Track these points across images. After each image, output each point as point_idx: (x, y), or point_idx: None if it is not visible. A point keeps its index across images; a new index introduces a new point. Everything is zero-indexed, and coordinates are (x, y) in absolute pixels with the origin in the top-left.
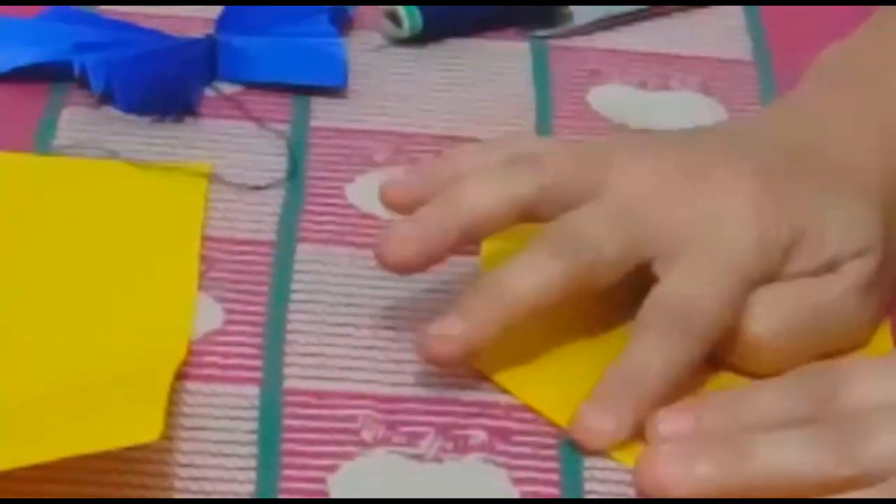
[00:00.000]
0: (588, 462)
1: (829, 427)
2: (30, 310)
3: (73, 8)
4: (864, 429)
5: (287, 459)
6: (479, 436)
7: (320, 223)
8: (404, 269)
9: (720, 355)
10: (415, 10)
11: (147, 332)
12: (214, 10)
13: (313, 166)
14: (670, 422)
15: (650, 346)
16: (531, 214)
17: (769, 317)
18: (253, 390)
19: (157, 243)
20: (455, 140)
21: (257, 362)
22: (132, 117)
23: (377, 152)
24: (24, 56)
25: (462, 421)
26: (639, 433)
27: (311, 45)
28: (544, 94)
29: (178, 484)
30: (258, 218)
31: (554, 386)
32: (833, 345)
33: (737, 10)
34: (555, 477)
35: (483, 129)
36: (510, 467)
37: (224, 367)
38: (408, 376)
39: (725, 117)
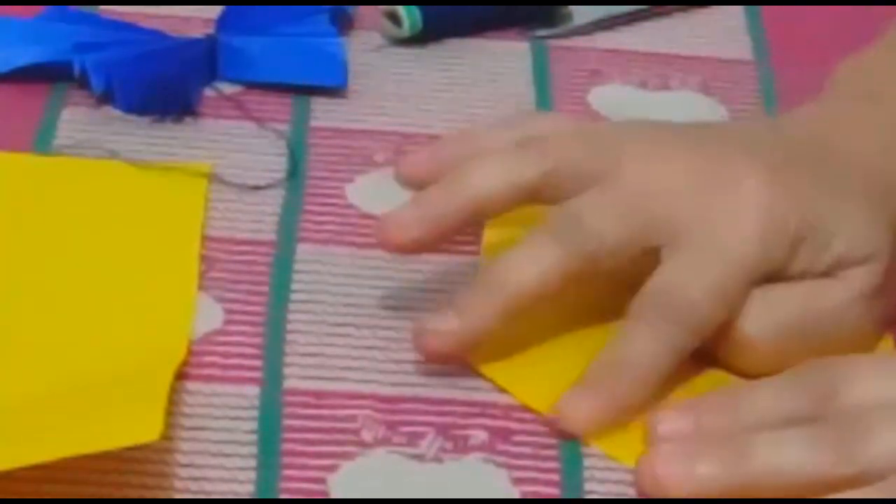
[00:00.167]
0: (588, 462)
1: (828, 426)
2: (30, 310)
3: (73, 8)
4: (863, 427)
5: (287, 459)
6: (479, 436)
7: (320, 223)
8: (405, 251)
9: (713, 351)
10: (415, 10)
11: (147, 332)
12: (214, 10)
13: (313, 166)
14: (670, 422)
15: (637, 334)
16: (535, 198)
17: (764, 317)
18: (253, 390)
19: (157, 243)
20: None
21: (257, 362)
22: (132, 117)
23: (377, 152)
24: (24, 56)
25: (462, 421)
26: (639, 433)
27: (311, 45)
28: (544, 94)
29: (178, 484)
30: (258, 218)
31: (550, 383)
32: (832, 352)
33: (737, 10)
34: (555, 477)
35: None
36: (510, 467)
37: (224, 367)
38: (408, 376)
39: (726, 117)
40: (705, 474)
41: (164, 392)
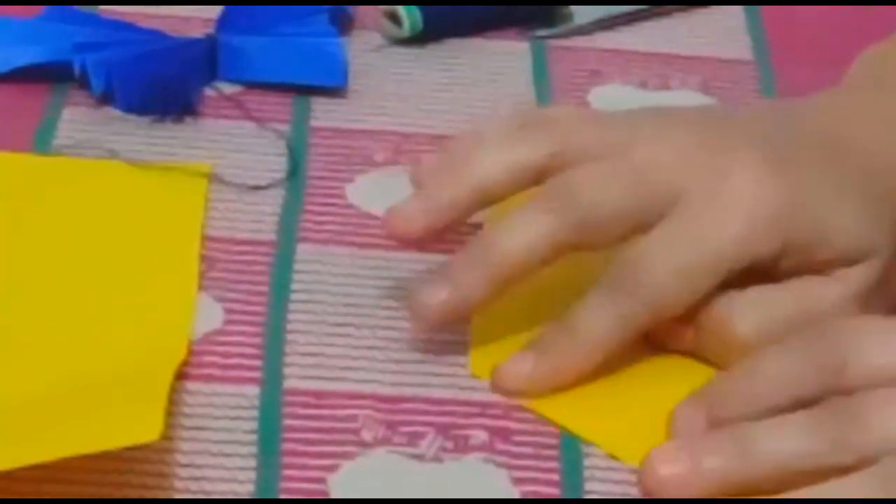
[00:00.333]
0: (588, 462)
1: (828, 411)
2: (30, 310)
3: (73, 8)
4: (864, 411)
5: (287, 459)
6: (479, 436)
7: (320, 223)
8: (412, 243)
9: (705, 351)
10: (415, 10)
11: (147, 332)
12: (214, 10)
13: (313, 166)
14: (684, 416)
15: (594, 302)
16: (542, 179)
17: (758, 317)
18: (253, 390)
19: (157, 243)
20: None
21: (257, 362)
22: (132, 117)
23: (377, 152)
24: (24, 56)
25: (462, 421)
26: (642, 431)
27: (311, 45)
28: (544, 94)
29: (178, 484)
30: (258, 218)
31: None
32: None
33: (737, 10)
34: (555, 477)
35: None
36: (510, 467)
37: (224, 367)
38: (408, 376)
39: None
40: (708, 472)
41: (164, 392)
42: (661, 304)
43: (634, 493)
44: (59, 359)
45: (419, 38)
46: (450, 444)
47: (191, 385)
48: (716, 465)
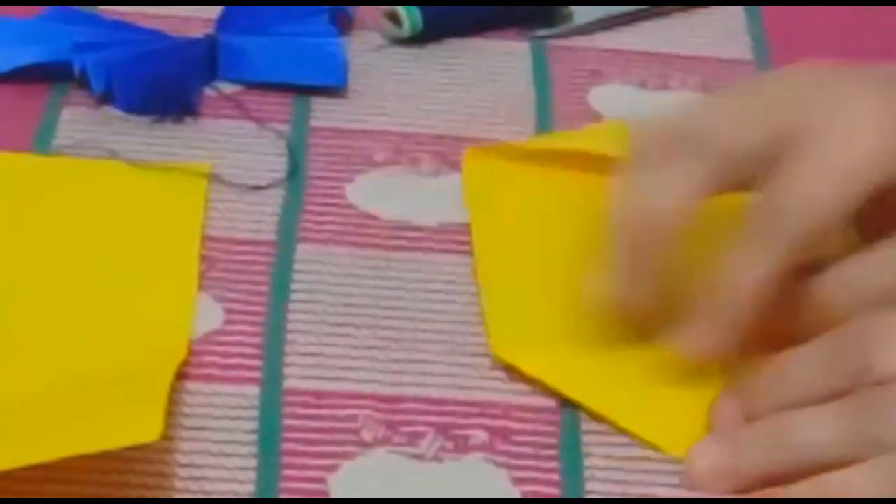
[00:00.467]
0: (588, 462)
1: (851, 405)
2: (30, 310)
3: (73, 8)
4: (884, 405)
5: (287, 459)
6: (480, 436)
7: (320, 223)
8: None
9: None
10: (415, 10)
11: (147, 332)
12: (214, 10)
13: (313, 166)
14: (722, 412)
15: (745, 249)
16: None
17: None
18: (253, 390)
19: (157, 243)
20: (455, 140)
21: (257, 362)
22: (132, 117)
23: (377, 152)
24: (24, 56)
25: (462, 421)
26: (685, 422)
27: (311, 45)
28: (544, 94)
29: (178, 484)
30: (258, 218)
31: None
32: None
33: (737, 10)
34: (555, 477)
35: (483, 129)
36: (510, 467)
37: (224, 367)
38: (408, 376)
39: None
40: (744, 466)
41: (164, 392)
42: (805, 236)
43: (634, 493)
44: (59, 359)
45: (419, 38)
46: (450, 444)
47: (191, 385)
48: (751, 457)
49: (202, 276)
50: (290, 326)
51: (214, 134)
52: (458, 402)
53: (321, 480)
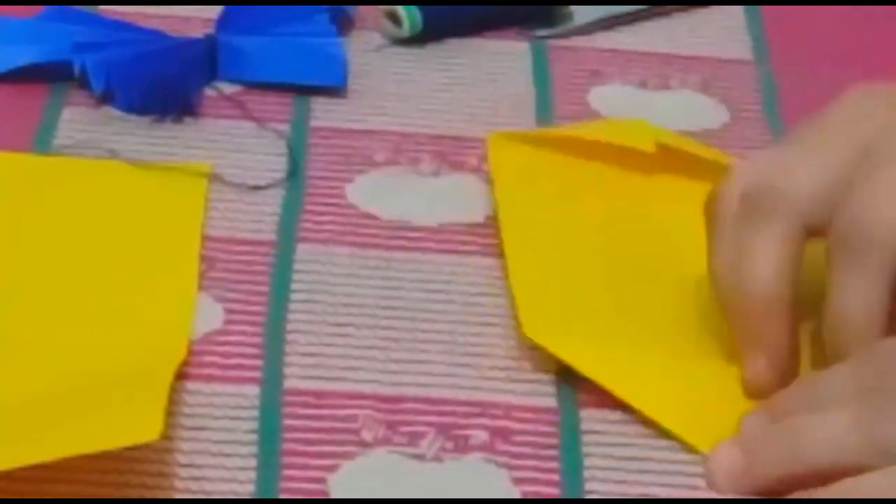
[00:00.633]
0: (588, 462)
1: (867, 410)
2: (30, 310)
3: (73, 8)
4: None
5: (287, 459)
6: (480, 436)
7: (320, 223)
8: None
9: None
10: (415, 10)
11: (147, 332)
12: (214, 10)
13: (313, 166)
14: (751, 421)
15: (841, 284)
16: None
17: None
18: (253, 390)
19: (157, 243)
20: (455, 140)
21: (257, 362)
22: (132, 117)
23: (377, 152)
24: (23, 56)
25: (462, 421)
26: (718, 419)
27: (311, 45)
28: (544, 94)
29: (178, 484)
30: (258, 218)
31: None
32: None
33: (737, 10)
34: (555, 477)
35: (483, 129)
36: (510, 467)
37: (224, 367)
38: (408, 376)
39: (726, 117)
40: (758, 472)
41: (164, 392)
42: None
43: (634, 493)
44: (59, 359)
45: (419, 38)
46: (450, 444)
47: (191, 385)
48: (766, 459)
49: (202, 276)
50: (290, 326)
51: (214, 134)
52: (458, 402)
53: (321, 480)
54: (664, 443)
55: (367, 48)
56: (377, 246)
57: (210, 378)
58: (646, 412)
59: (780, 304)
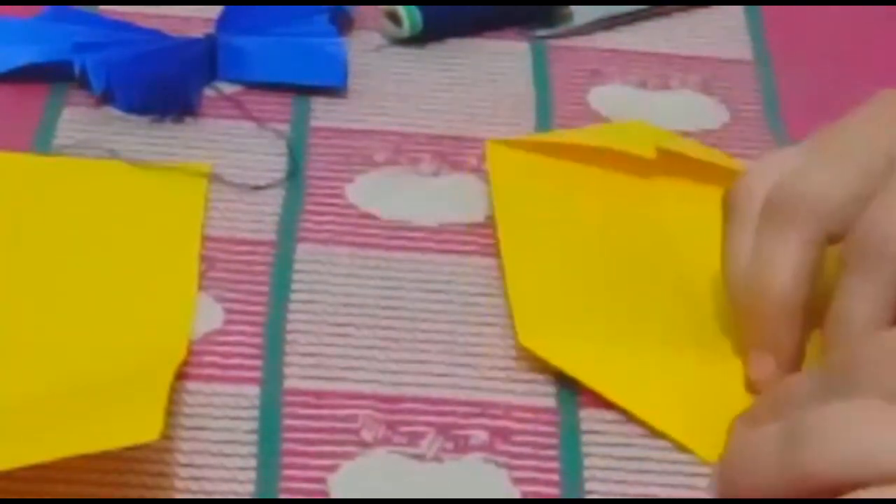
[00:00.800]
0: (588, 462)
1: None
2: (30, 310)
3: (73, 8)
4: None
5: (287, 459)
6: (480, 436)
7: (320, 223)
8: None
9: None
10: (415, 10)
11: (147, 332)
12: (214, 10)
13: (313, 166)
14: (749, 419)
15: (848, 288)
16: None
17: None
18: (253, 390)
19: (157, 243)
20: (455, 140)
21: (257, 362)
22: (132, 117)
23: (377, 152)
24: (23, 56)
25: (462, 421)
26: (713, 426)
27: (311, 45)
28: (544, 94)
29: (178, 484)
30: (258, 218)
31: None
32: None
33: (737, 10)
34: (555, 477)
35: (483, 129)
36: (510, 467)
37: (224, 367)
38: (408, 376)
39: (727, 117)
40: (762, 482)
41: (164, 392)
42: None
43: (634, 493)
44: (59, 359)
45: (419, 38)
46: (450, 444)
47: (191, 385)
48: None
49: (202, 276)
50: (290, 326)
51: (214, 134)
52: (458, 402)
53: (321, 480)
54: (664, 443)
55: (367, 48)
56: (377, 246)
57: (210, 378)
58: (644, 418)
59: (796, 309)
